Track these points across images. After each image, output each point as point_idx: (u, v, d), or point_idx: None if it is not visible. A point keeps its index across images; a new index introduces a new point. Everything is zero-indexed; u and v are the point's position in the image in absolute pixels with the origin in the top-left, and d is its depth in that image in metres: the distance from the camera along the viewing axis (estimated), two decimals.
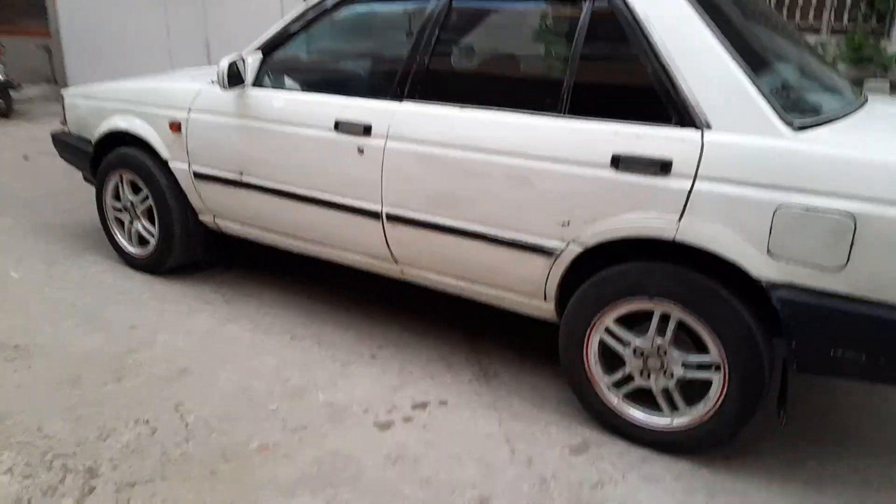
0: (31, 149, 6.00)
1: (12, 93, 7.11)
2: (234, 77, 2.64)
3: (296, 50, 2.76)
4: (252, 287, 3.25)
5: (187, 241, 3.19)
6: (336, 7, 2.59)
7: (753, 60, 2.02)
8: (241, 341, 2.75)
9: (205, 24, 6.21)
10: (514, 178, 2.15)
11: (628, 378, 2.17)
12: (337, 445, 2.14)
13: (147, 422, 2.23)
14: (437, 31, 2.36)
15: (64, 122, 3.62)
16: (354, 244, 2.65)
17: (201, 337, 2.78)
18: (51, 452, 2.07)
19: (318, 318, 2.97)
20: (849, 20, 5.51)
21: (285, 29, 2.70)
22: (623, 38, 2.04)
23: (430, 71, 2.37)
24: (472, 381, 2.52)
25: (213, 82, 2.89)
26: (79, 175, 5.06)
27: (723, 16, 2.09)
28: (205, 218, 3.13)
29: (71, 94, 3.55)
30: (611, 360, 2.20)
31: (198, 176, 2.96)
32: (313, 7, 2.64)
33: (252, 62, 2.71)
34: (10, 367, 2.52)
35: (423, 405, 2.36)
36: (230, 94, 2.75)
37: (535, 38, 2.34)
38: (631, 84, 2.09)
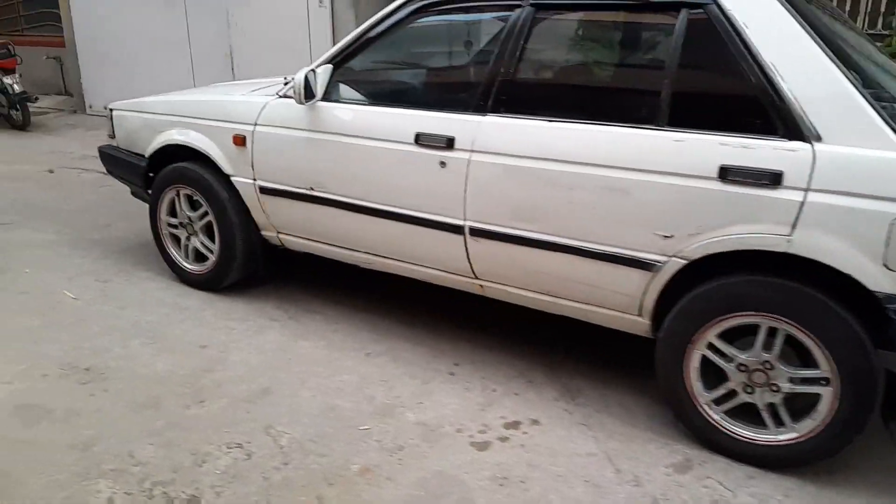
0: (53, 162, 5.93)
1: (29, 105, 7.02)
2: (305, 90, 2.60)
3: (368, 62, 2.72)
4: (314, 302, 3.20)
5: (248, 256, 3.14)
6: (410, 17, 2.56)
7: (853, 69, 2.00)
8: (317, 359, 2.71)
9: (228, 34, 6.14)
10: (611, 190, 2.12)
11: (731, 394, 2.14)
12: (438, 467, 2.10)
13: (240, 445, 2.18)
14: (521, 42, 2.32)
15: (112, 135, 3.56)
16: (431, 259, 2.61)
17: (275, 355, 2.73)
18: (148, 480, 2.02)
19: (388, 333, 2.92)
20: (883, 26, 5.52)
21: (356, 40, 2.66)
22: (722, 47, 2.02)
23: (516, 82, 2.34)
24: (558, 398, 2.48)
25: (279, 95, 2.85)
26: (109, 188, 5.06)
27: (816, 22, 2.07)
28: (267, 233, 3.09)
29: (120, 108, 3.49)
30: (711, 375, 2.17)
31: (264, 191, 2.92)
32: (385, 18, 2.60)
33: (322, 75, 2.66)
34: (85, 390, 2.47)
35: (516, 424, 2.32)
36: (301, 108, 2.70)
37: (626, 48, 2.31)
38: (733, 95, 2.07)
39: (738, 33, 1.99)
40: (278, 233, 3.04)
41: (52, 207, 4.63)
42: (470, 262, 2.49)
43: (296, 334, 2.90)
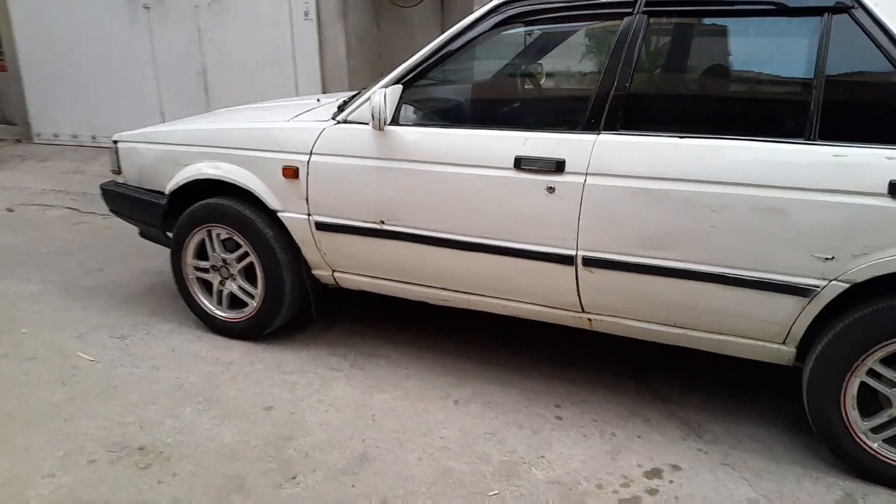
0: (10, 199, 5.36)
1: None
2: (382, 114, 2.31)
3: (446, 79, 2.45)
4: (370, 345, 2.90)
5: (297, 299, 2.81)
6: (495, 29, 2.31)
7: None
8: (402, 412, 2.41)
9: (200, 51, 5.67)
10: (762, 211, 1.94)
11: (893, 421, 1.99)
12: None
13: None
14: (635, 52, 2.12)
15: (117, 170, 3.15)
16: (530, 293, 2.37)
17: (355, 413, 2.41)
18: None
19: (467, 375, 2.65)
20: None
21: (431, 56, 2.39)
22: (873, 52, 1.87)
23: (635, 97, 2.14)
24: (685, 437, 2.28)
25: (337, 120, 2.55)
26: (86, 225, 4.60)
27: None
28: (320, 272, 2.77)
29: (128, 140, 3.09)
30: (866, 401, 2.01)
31: (320, 226, 2.60)
32: (466, 30, 2.35)
33: (392, 96, 2.37)
34: (150, 477, 2.09)
35: (657, 472, 2.10)
36: (369, 134, 2.42)
37: (759, 57, 2.14)
38: (893, 104, 1.92)
39: (890, 36, 1.85)
40: (334, 271, 2.73)
41: (27, 252, 4.12)
42: (579, 295, 2.27)
43: (367, 385, 2.59)
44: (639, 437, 2.28)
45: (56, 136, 6.66)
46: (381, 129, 2.31)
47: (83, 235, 4.43)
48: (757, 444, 2.24)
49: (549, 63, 2.48)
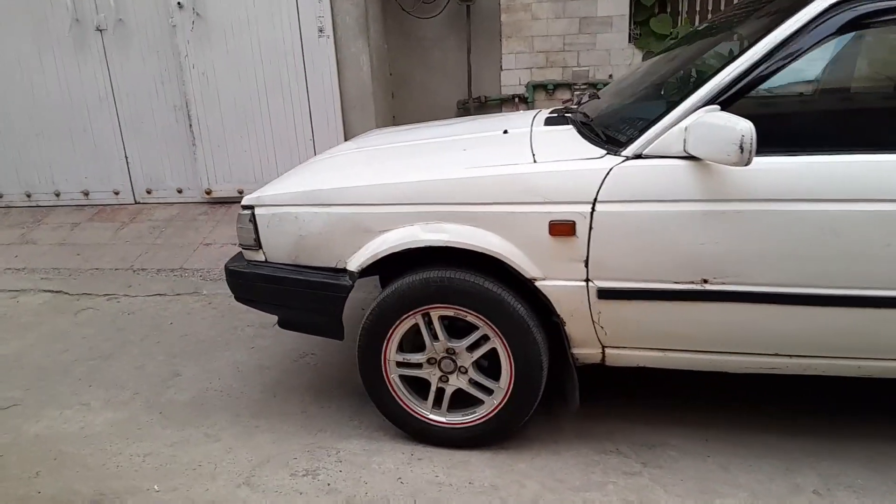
0: None
1: None
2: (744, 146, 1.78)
3: (777, 95, 1.96)
4: (633, 431, 2.33)
5: (542, 389, 2.19)
6: (841, 30, 1.85)
7: None
8: None
9: (181, 80, 4.56)
10: None
11: None
12: None
13: None
14: None
15: (254, 245, 2.33)
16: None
17: None
18: None
19: (780, 452, 2.18)
20: None
21: (752, 69, 1.88)
22: None
23: None
24: None
25: (625, 156, 1.97)
26: (90, 311, 3.62)
27: None
28: (585, 351, 2.16)
29: (273, 203, 2.29)
30: None
31: (605, 294, 2.01)
32: (796, 35, 1.86)
33: None
34: None
35: None
36: (689, 171, 1.89)
37: None
38: None
39: None
40: (605, 348, 2.14)
41: (46, 363, 3.07)
42: None
43: (693, 490, 2.03)
44: None
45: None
46: (747, 164, 1.77)
47: (102, 328, 3.41)
48: None
49: None
